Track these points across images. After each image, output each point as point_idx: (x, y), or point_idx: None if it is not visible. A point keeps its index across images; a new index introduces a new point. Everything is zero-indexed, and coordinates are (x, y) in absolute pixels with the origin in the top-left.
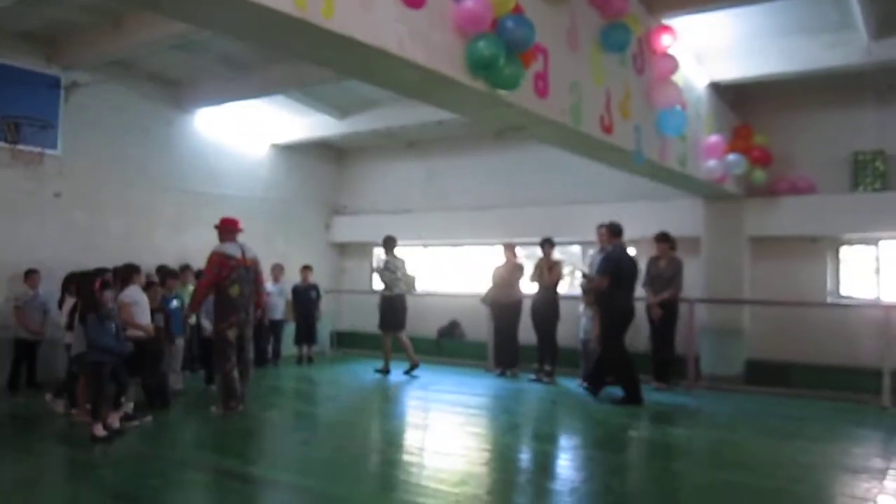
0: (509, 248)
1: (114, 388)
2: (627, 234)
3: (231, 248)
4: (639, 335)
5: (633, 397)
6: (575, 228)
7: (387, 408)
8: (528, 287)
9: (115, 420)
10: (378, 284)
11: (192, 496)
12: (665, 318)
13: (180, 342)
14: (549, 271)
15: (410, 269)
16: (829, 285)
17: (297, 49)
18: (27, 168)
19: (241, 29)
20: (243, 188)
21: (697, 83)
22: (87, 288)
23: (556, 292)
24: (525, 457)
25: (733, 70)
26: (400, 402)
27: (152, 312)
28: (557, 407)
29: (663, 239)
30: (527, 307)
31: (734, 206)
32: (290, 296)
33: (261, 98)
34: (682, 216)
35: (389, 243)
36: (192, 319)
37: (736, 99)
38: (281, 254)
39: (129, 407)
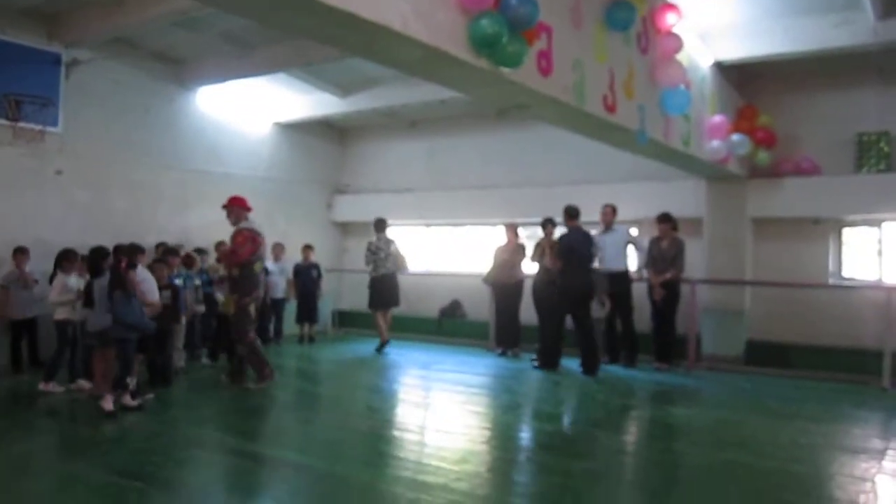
0: (511, 229)
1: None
2: (630, 214)
3: (256, 226)
4: (641, 316)
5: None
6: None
7: (388, 387)
8: (530, 267)
9: (126, 397)
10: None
11: (195, 473)
12: (667, 299)
13: (182, 320)
14: (550, 251)
15: (402, 249)
16: (831, 267)
17: (299, 26)
18: (28, 146)
19: (244, 5)
20: (245, 167)
21: (702, 63)
22: (115, 266)
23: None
24: (526, 436)
25: (738, 50)
26: (401, 382)
27: (160, 290)
28: (558, 387)
29: (665, 219)
30: (528, 287)
31: (737, 186)
32: (291, 275)
33: (263, 76)
34: (685, 197)
35: (379, 225)
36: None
37: (740, 79)
38: (282, 233)
39: (133, 384)
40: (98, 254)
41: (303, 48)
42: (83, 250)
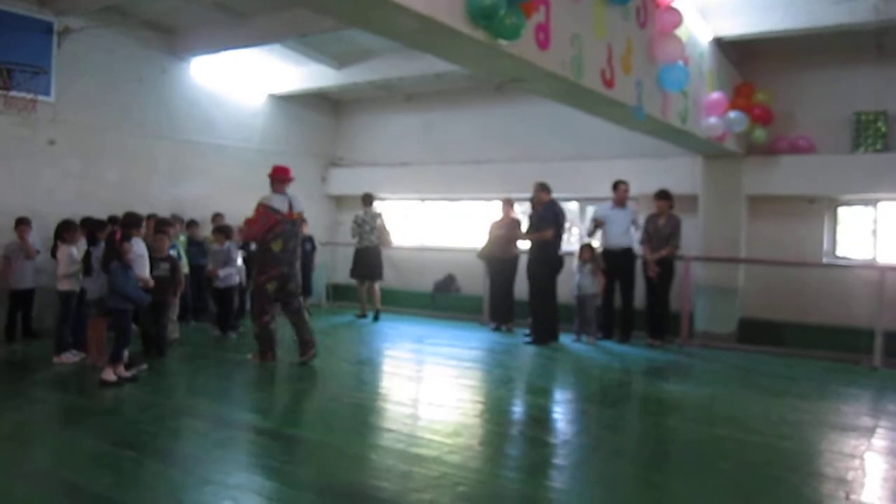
0: (507, 204)
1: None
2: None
3: (278, 201)
4: (635, 292)
5: (543, 337)
6: (573, 185)
7: (381, 360)
8: (525, 243)
9: (121, 368)
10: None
11: (189, 443)
12: (661, 276)
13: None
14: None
15: (387, 224)
16: (826, 246)
17: None
18: (20, 115)
19: None
20: (239, 138)
21: (701, 39)
22: (109, 237)
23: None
24: (518, 410)
25: (737, 26)
26: (394, 355)
27: (160, 261)
28: (551, 362)
29: (663, 196)
30: (523, 263)
31: (733, 164)
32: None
33: (257, 47)
34: (681, 174)
35: (366, 199)
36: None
37: (739, 56)
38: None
39: (126, 355)
40: (95, 224)
41: (298, 19)
42: (76, 220)
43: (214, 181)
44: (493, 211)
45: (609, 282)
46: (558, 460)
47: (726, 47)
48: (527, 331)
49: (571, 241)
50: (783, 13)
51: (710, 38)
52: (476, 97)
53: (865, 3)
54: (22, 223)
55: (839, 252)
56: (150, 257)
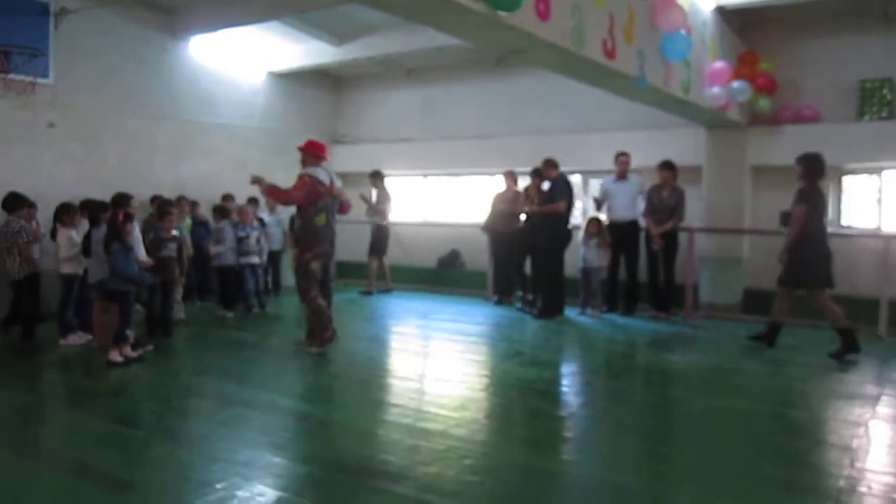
0: (510, 176)
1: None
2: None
3: (321, 174)
4: (639, 265)
5: (550, 311)
6: (576, 158)
7: (386, 336)
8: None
9: (127, 349)
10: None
11: (195, 422)
12: (665, 248)
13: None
14: (540, 200)
15: (381, 200)
16: (831, 215)
17: None
18: (19, 98)
19: None
20: (241, 117)
21: (703, 7)
22: (112, 218)
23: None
24: (524, 383)
25: None
26: (399, 331)
27: (166, 242)
28: (556, 335)
29: (667, 167)
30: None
31: (737, 134)
32: (287, 226)
33: (256, 24)
34: (684, 145)
35: (375, 175)
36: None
37: (742, 24)
38: (280, 183)
39: (132, 336)
40: (96, 205)
41: None
42: (76, 203)
43: (216, 160)
44: (495, 185)
45: (614, 255)
46: (564, 433)
47: (729, 15)
48: (519, 305)
49: (576, 215)
50: None
51: (713, 6)
52: (477, 71)
53: None
54: (28, 206)
55: (844, 221)
56: (157, 238)
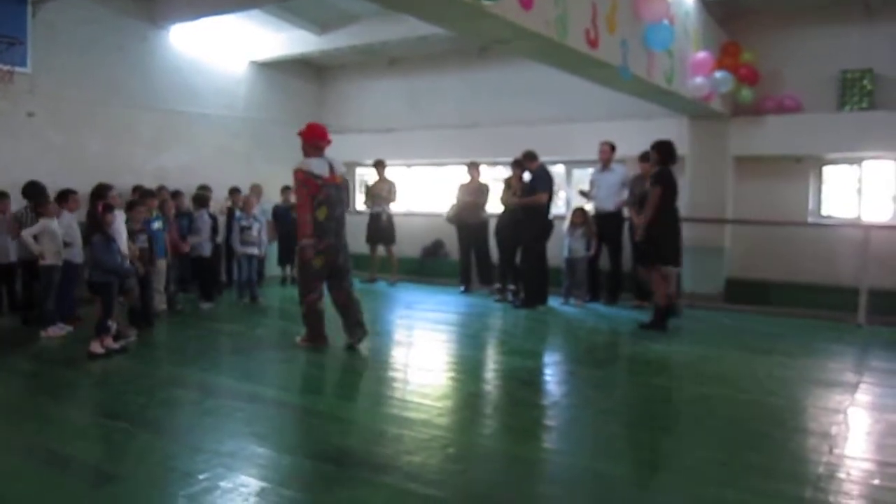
0: (474, 168)
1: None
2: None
3: (317, 165)
4: (622, 254)
5: (533, 300)
6: (560, 147)
7: (369, 326)
8: (494, 206)
9: (109, 340)
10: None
11: (179, 412)
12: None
13: (162, 263)
14: (521, 191)
15: (382, 188)
16: (811, 205)
17: None
18: None
19: None
20: (222, 106)
21: None
22: (92, 209)
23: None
24: (507, 372)
25: None
26: (383, 321)
27: (137, 234)
28: (539, 324)
29: (648, 158)
30: (493, 227)
31: (719, 124)
32: (270, 217)
33: (237, 13)
34: (667, 135)
35: (377, 165)
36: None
37: (725, 14)
38: (262, 173)
39: (114, 327)
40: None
41: None
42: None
43: (198, 150)
44: (460, 176)
45: (598, 245)
46: (547, 421)
47: (712, 6)
48: (497, 296)
49: (559, 205)
50: None
51: None
52: (461, 60)
53: None
54: (2, 197)
55: (824, 211)
56: (129, 230)
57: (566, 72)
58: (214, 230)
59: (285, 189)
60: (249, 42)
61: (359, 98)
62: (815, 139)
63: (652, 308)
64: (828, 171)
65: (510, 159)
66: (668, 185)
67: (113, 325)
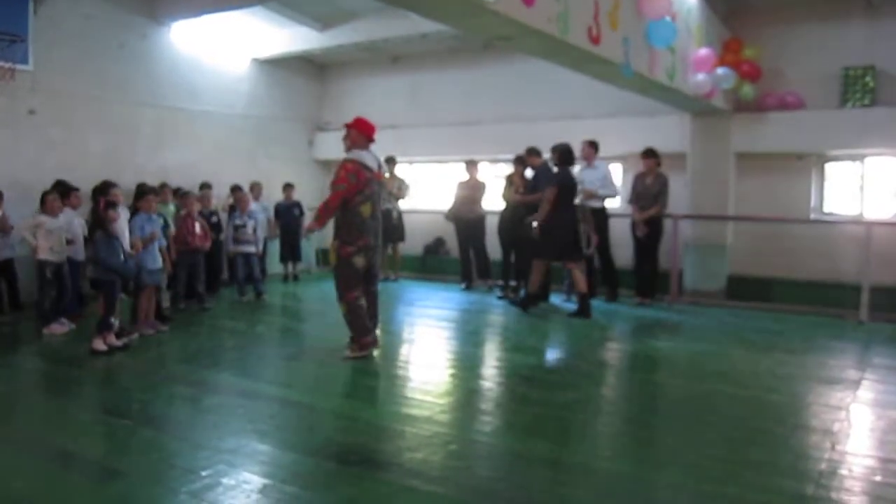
0: (472, 165)
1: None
2: (615, 150)
3: (368, 158)
4: (623, 252)
5: (534, 297)
6: None
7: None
8: (493, 203)
9: (111, 337)
10: None
11: (181, 409)
12: (650, 235)
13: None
14: (523, 188)
15: (395, 185)
16: (813, 202)
17: None
18: None
19: None
20: (224, 104)
21: None
22: (94, 207)
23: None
24: (508, 369)
25: None
26: (385, 318)
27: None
28: (541, 322)
29: (650, 155)
30: (492, 224)
31: (721, 121)
32: (272, 214)
33: (238, 9)
34: (669, 132)
35: (389, 161)
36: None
37: (727, 11)
38: (264, 171)
39: (116, 324)
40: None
41: None
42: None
43: (199, 148)
44: (458, 174)
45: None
46: (549, 418)
47: (714, 2)
48: (500, 293)
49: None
50: None
51: None
52: (463, 57)
53: None
54: None
55: (826, 208)
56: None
57: (568, 68)
58: (217, 228)
59: (287, 186)
60: (251, 39)
61: (361, 95)
62: (818, 136)
63: (655, 304)
64: (830, 167)
65: (512, 156)
66: (563, 185)
67: (115, 321)
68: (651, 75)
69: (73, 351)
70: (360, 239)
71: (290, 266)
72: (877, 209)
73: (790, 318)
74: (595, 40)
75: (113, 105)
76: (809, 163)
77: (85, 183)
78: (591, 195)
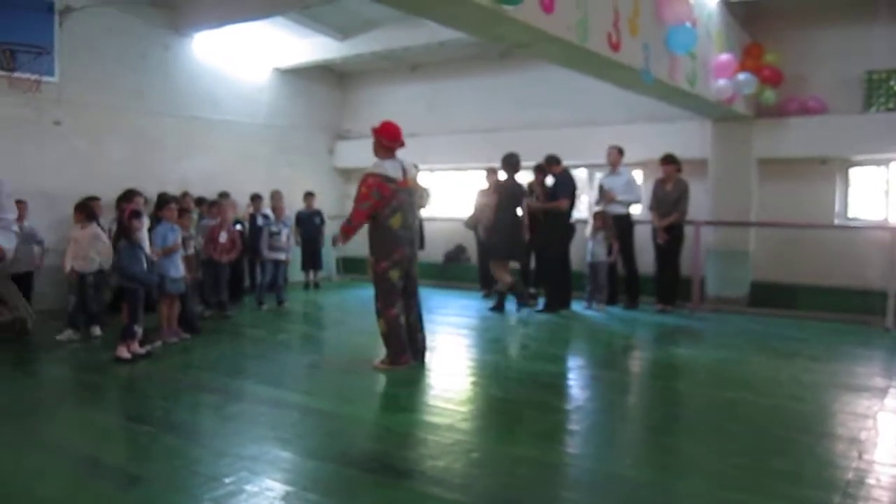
0: (492, 173)
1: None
2: (635, 156)
3: (391, 168)
4: (644, 258)
5: (555, 305)
6: (582, 151)
7: None
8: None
9: (135, 345)
10: None
11: (203, 417)
12: (670, 242)
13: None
14: (543, 196)
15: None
16: (837, 207)
17: None
18: (25, 96)
19: None
20: (245, 114)
21: None
22: (119, 215)
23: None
24: (530, 376)
25: None
26: None
27: (183, 240)
28: (561, 329)
29: (670, 161)
30: None
31: (743, 127)
32: (293, 225)
33: (260, 20)
34: (689, 138)
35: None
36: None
37: (747, 16)
38: (285, 180)
39: (139, 333)
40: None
41: None
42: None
43: (221, 157)
44: (479, 182)
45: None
46: (571, 425)
47: (734, 7)
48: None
49: (580, 209)
50: None
51: None
52: (481, 65)
53: None
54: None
55: (851, 213)
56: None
57: (588, 75)
58: (242, 237)
59: (308, 195)
60: (272, 49)
61: (381, 104)
62: (841, 140)
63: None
64: (854, 172)
65: (532, 164)
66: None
67: (139, 330)
68: (672, 81)
69: (97, 358)
70: (395, 252)
71: (311, 274)
72: None
73: (814, 326)
74: (615, 47)
75: (136, 115)
76: (833, 168)
77: (107, 193)
78: (612, 199)
